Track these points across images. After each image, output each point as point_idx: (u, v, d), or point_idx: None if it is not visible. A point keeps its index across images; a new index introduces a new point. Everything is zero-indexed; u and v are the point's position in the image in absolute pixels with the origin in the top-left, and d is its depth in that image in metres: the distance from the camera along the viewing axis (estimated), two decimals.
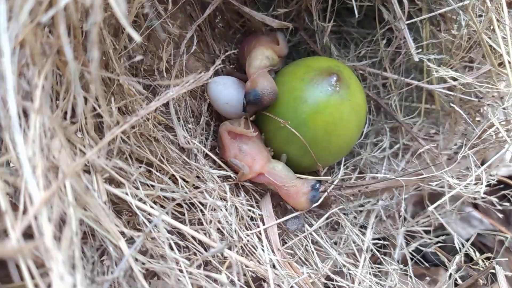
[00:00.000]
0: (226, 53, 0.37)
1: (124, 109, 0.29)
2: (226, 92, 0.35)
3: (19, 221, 0.17)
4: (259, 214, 0.34)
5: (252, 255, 0.30)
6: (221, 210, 0.29)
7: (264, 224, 0.33)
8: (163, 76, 0.31)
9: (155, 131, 0.31)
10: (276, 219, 0.34)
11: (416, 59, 0.34)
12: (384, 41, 0.37)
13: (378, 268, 0.37)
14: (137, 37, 0.17)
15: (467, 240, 0.54)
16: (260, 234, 0.32)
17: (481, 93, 0.36)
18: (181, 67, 0.33)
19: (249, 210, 0.34)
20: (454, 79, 0.34)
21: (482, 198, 0.38)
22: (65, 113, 0.23)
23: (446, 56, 0.35)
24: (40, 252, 0.17)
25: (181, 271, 0.24)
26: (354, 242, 0.37)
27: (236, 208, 0.32)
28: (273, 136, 0.35)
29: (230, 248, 0.28)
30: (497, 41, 0.33)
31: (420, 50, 0.35)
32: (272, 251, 0.32)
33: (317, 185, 0.34)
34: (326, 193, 0.37)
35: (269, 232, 0.33)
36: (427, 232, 0.41)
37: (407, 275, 0.39)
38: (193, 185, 0.31)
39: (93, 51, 0.16)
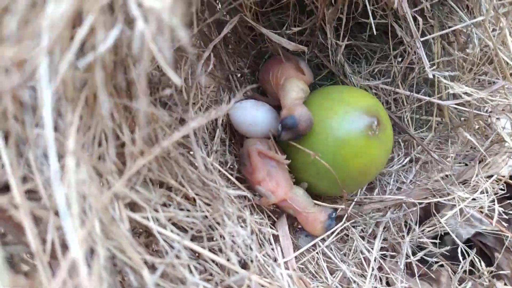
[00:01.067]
0: (241, 70, 0.38)
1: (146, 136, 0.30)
2: (248, 114, 0.36)
3: (62, 264, 0.18)
4: (274, 234, 0.35)
5: (269, 276, 0.31)
6: (241, 236, 0.30)
7: (280, 244, 0.35)
8: (182, 97, 0.32)
9: (173, 151, 0.31)
10: (292, 240, 0.36)
11: (431, 76, 0.35)
12: (397, 57, 0.39)
13: (386, 277, 0.39)
14: (178, 81, 0.17)
15: (467, 241, 0.57)
16: (277, 254, 0.34)
17: (491, 106, 0.37)
18: (198, 87, 0.34)
19: (262, 231, 0.35)
20: (469, 95, 0.36)
21: (488, 207, 0.41)
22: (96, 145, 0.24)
23: (458, 73, 0.37)
24: None
25: None
26: (362, 253, 0.39)
27: (255, 231, 0.33)
28: (301, 166, 0.36)
29: (244, 267, 0.30)
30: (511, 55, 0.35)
31: (434, 67, 0.36)
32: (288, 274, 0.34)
33: (333, 214, 0.37)
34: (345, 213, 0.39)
35: (285, 252, 0.35)
36: (433, 240, 0.43)
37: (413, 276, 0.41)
38: (209, 205, 0.32)
39: (140, 102, 0.17)
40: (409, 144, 0.43)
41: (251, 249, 0.29)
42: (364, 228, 0.43)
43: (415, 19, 0.34)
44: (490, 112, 0.39)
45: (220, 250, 0.29)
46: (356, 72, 0.40)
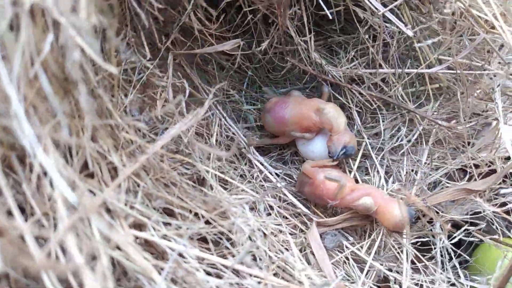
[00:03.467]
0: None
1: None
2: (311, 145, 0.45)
3: None
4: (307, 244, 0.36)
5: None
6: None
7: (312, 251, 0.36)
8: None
9: (169, 171, 0.35)
10: (325, 248, 0.37)
11: (411, 34, 0.38)
12: (370, 39, 0.42)
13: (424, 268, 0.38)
14: (114, 70, 0.21)
15: None
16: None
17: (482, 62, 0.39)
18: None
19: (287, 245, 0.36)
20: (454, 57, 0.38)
21: None
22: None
23: (440, 37, 0.39)
24: None
25: None
26: (393, 247, 0.38)
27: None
28: None
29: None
30: (482, 9, 0.37)
31: (411, 34, 0.38)
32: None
33: (413, 207, 0.39)
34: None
35: (320, 262, 0.35)
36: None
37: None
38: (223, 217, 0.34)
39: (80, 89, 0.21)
40: (414, 119, 0.44)
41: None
42: None
43: None
44: (484, 65, 0.41)
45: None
46: (337, 63, 0.44)
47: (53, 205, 0.26)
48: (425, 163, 0.44)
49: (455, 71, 0.40)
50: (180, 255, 0.29)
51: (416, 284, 0.37)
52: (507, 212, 0.41)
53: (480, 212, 0.42)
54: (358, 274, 0.36)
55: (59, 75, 0.25)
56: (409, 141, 0.45)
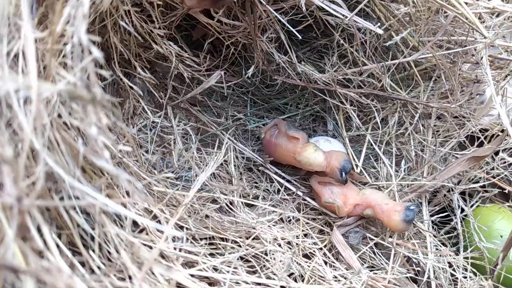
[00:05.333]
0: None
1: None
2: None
3: None
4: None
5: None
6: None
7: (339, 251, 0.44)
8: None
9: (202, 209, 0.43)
10: (350, 246, 0.44)
11: (381, 32, 0.44)
12: (348, 40, 0.48)
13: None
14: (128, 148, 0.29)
15: None
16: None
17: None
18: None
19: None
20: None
21: None
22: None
23: (409, 28, 0.45)
24: None
25: None
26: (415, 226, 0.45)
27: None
28: None
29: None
30: None
31: (381, 32, 0.44)
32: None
33: (412, 206, 0.44)
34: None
35: (348, 260, 0.43)
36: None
37: None
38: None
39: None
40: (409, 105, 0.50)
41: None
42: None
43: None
44: (465, 46, 0.46)
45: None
46: (325, 70, 0.50)
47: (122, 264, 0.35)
48: (431, 141, 0.50)
49: (434, 53, 0.45)
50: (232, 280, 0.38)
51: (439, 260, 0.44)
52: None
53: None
54: (386, 261, 0.43)
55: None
56: (411, 123, 0.51)
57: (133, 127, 0.51)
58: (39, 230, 0.29)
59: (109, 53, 0.47)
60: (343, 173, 0.45)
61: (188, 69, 0.52)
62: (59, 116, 0.33)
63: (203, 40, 0.55)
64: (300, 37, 0.45)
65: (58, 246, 0.33)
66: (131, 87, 0.47)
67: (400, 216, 0.42)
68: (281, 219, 0.48)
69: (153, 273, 0.36)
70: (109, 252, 0.35)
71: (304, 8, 0.43)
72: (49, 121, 0.31)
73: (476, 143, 0.49)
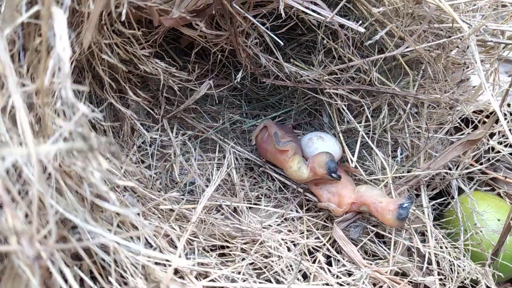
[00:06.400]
0: None
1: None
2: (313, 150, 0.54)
3: None
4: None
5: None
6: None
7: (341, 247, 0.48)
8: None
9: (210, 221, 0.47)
10: (351, 243, 0.47)
11: (362, 30, 0.45)
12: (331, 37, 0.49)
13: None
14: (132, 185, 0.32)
15: None
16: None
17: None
18: None
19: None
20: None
21: None
22: None
23: (389, 24, 0.46)
24: None
25: None
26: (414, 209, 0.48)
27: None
28: None
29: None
30: None
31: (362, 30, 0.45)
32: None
33: (406, 204, 0.45)
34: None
35: (349, 254, 0.47)
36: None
37: None
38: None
39: None
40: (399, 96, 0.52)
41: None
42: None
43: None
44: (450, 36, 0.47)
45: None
46: (315, 66, 0.52)
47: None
48: (425, 127, 0.51)
49: (417, 46, 0.46)
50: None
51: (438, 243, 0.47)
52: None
53: None
54: (387, 250, 0.47)
55: None
56: (404, 110, 0.52)
57: (133, 145, 0.54)
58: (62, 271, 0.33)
59: (101, 78, 0.49)
60: (332, 174, 0.48)
61: (178, 80, 0.54)
62: (63, 163, 0.36)
63: (190, 49, 0.56)
64: (282, 43, 0.47)
65: (79, 277, 0.37)
66: (126, 111, 0.50)
67: (394, 215, 0.45)
68: (285, 218, 0.52)
69: None
70: (124, 277, 0.40)
71: (283, 14, 0.44)
72: (54, 171, 0.34)
73: (471, 126, 0.51)
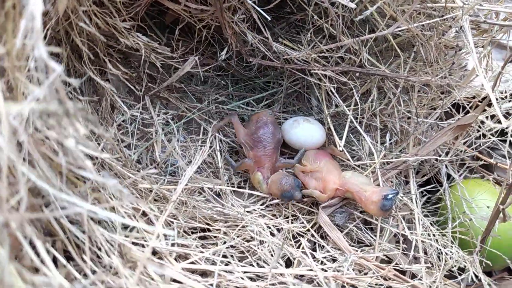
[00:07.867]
0: None
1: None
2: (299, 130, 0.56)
3: None
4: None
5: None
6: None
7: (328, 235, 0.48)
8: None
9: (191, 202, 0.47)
10: (337, 229, 0.48)
11: (353, 6, 0.45)
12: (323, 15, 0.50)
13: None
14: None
15: None
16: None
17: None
18: None
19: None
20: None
21: None
22: None
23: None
24: None
25: None
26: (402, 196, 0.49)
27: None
28: None
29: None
30: None
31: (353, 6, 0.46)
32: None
33: (390, 195, 0.46)
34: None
35: (335, 240, 0.47)
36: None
37: None
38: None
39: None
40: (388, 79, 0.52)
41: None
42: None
43: None
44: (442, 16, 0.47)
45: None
46: (304, 45, 0.52)
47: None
48: (415, 112, 0.52)
49: (409, 25, 0.47)
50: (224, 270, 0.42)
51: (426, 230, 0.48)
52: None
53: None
54: (373, 237, 0.48)
55: None
56: (394, 94, 0.53)
57: (113, 123, 0.53)
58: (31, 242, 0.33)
59: (80, 51, 0.49)
60: (286, 199, 0.49)
61: (161, 57, 0.54)
62: (36, 129, 0.35)
63: (175, 25, 0.56)
64: (269, 18, 0.47)
65: (53, 255, 0.37)
66: (105, 84, 0.49)
67: (378, 206, 0.46)
68: (270, 204, 0.52)
69: (147, 272, 0.41)
70: (99, 257, 0.39)
71: None
72: (27, 136, 0.34)
73: (462, 112, 0.52)
